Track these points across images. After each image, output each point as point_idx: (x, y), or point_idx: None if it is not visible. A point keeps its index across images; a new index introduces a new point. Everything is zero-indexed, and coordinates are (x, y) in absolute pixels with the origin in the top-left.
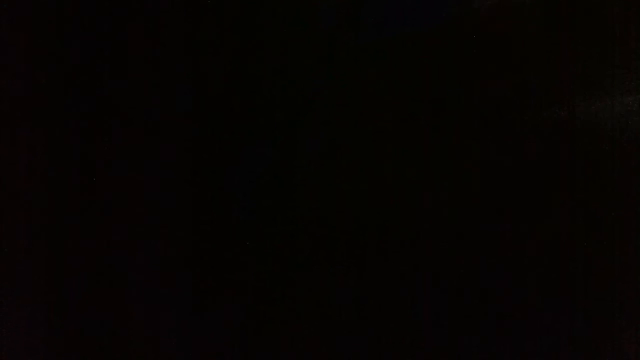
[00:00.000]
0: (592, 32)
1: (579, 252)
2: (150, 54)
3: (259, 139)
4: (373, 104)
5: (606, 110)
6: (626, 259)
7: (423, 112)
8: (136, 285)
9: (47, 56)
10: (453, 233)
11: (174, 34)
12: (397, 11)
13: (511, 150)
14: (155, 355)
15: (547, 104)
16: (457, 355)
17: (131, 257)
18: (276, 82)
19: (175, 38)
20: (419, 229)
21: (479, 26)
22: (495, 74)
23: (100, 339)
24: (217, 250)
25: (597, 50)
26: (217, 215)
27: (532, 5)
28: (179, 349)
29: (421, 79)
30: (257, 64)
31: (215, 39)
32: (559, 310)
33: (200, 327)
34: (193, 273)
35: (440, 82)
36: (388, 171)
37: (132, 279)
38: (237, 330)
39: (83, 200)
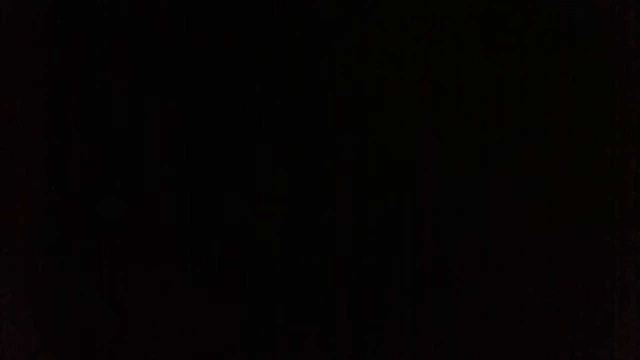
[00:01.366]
0: None
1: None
2: (151, 53)
3: (259, 141)
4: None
5: None
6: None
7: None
8: (136, 285)
9: (46, 56)
10: (452, 233)
11: (174, 33)
12: None
13: (511, 149)
14: (155, 355)
15: None
16: (456, 355)
17: (131, 256)
18: (278, 85)
19: (175, 38)
20: (419, 230)
21: None
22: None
23: (100, 339)
24: (217, 250)
25: None
26: (217, 215)
27: None
28: (179, 349)
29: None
30: (259, 65)
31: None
32: (559, 310)
33: (200, 327)
34: (193, 273)
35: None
36: (390, 172)
37: (132, 278)
38: (237, 330)
39: (83, 200)
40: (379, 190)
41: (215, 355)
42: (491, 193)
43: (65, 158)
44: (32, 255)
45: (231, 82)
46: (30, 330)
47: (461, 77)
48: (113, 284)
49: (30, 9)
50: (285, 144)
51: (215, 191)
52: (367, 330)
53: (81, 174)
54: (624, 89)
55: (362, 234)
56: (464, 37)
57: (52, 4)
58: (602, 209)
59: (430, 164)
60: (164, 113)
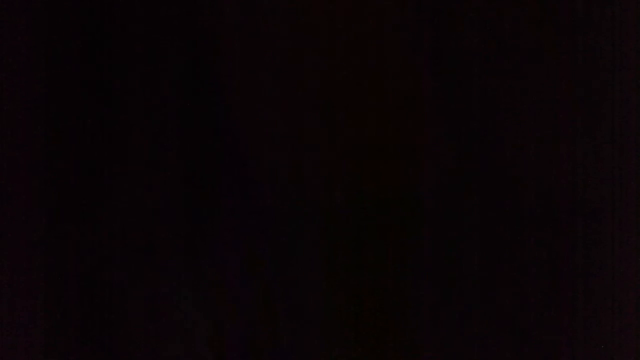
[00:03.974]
0: None
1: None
2: (151, 54)
3: (259, 140)
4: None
5: None
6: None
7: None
8: (136, 285)
9: (47, 56)
10: (452, 232)
11: (173, 33)
12: None
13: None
14: (155, 355)
15: None
16: (456, 354)
17: (131, 256)
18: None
19: (174, 38)
20: (419, 230)
21: None
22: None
23: (100, 339)
24: (217, 250)
25: None
26: (215, 214)
27: None
28: (179, 349)
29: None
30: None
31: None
32: (559, 309)
33: (200, 327)
34: (193, 273)
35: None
36: (389, 171)
37: (131, 278)
38: (237, 330)
39: (82, 200)
40: (378, 189)
41: (215, 356)
42: (491, 192)
43: (65, 158)
44: (32, 255)
45: (230, 81)
46: (30, 330)
47: (460, 75)
48: (113, 283)
49: (30, 9)
50: (285, 143)
51: (215, 190)
52: (367, 330)
53: (81, 174)
54: (624, 89)
55: (361, 233)
56: (463, 34)
57: (53, 4)
58: (602, 208)
59: (430, 162)
60: (164, 112)
